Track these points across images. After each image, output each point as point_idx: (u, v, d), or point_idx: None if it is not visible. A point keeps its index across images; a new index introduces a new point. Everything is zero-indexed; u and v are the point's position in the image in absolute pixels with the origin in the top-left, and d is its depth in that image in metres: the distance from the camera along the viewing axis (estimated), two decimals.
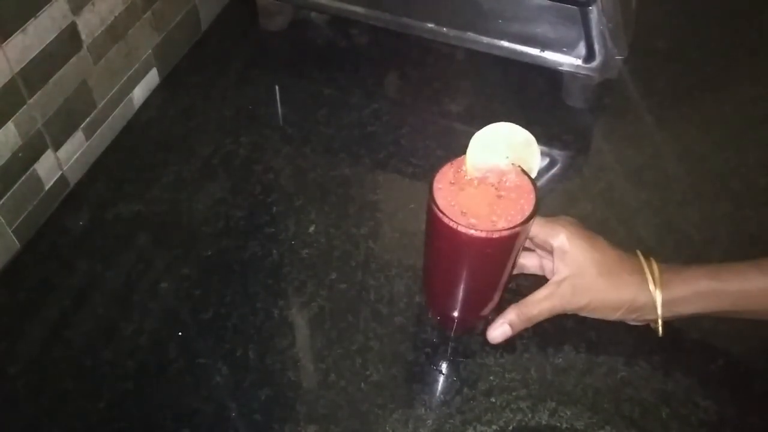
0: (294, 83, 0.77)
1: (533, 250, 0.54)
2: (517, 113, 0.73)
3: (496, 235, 0.42)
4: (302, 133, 0.70)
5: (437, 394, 0.51)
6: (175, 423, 0.49)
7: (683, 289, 0.49)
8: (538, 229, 0.50)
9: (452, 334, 0.54)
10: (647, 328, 0.52)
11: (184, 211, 0.63)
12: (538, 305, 0.50)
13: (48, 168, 0.61)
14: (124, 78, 0.69)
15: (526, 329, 0.54)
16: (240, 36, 0.82)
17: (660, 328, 0.50)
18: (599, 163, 0.69)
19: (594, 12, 0.63)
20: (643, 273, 0.49)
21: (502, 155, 0.45)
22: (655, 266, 0.50)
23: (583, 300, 0.50)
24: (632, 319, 0.51)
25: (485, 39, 0.70)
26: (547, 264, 0.53)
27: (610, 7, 0.63)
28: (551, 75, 0.71)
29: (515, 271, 0.56)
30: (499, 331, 0.51)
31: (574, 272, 0.49)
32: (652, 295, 0.49)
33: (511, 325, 0.51)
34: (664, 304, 0.49)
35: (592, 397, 0.50)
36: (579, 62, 0.68)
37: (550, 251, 0.50)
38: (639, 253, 0.51)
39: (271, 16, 0.81)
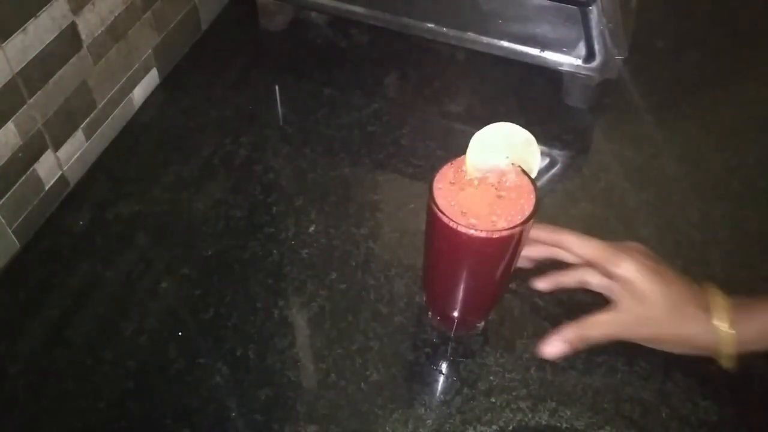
0: (294, 83, 0.77)
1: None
2: (517, 113, 0.72)
3: (496, 235, 0.42)
4: (302, 133, 0.70)
5: (437, 394, 0.51)
6: (175, 423, 0.49)
7: (754, 327, 0.47)
8: (599, 254, 0.49)
9: (452, 334, 0.54)
10: None
11: (184, 211, 0.63)
12: (599, 329, 0.50)
13: (48, 168, 0.61)
14: (124, 78, 0.69)
15: (525, 330, 0.54)
16: (240, 36, 0.82)
17: (731, 365, 0.48)
18: (599, 163, 0.68)
19: (594, 12, 0.63)
20: (708, 309, 0.47)
21: (502, 155, 0.45)
22: (722, 301, 0.48)
23: (648, 332, 0.49)
24: (698, 354, 0.49)
25: (485, 39, 0.70)
26: (588, 277, 0.51)
27: (610, 7, 0.63)
28: (551, 75, 0.71)
29: (553, 289, 0.54)
30: (557, 348, 0.50)
31: (640, 303, 0.48)
32: (719, 332, 0.47)
33: (569, 343, 0.50)
34: (734, 343, 0.47)
35: (592, 397, 0.50)
36: (579, 62, 0.68)
37: (610, 277, 0.49)
38: (708, 285, 0.49)
39: (271, 16, 0.81)
